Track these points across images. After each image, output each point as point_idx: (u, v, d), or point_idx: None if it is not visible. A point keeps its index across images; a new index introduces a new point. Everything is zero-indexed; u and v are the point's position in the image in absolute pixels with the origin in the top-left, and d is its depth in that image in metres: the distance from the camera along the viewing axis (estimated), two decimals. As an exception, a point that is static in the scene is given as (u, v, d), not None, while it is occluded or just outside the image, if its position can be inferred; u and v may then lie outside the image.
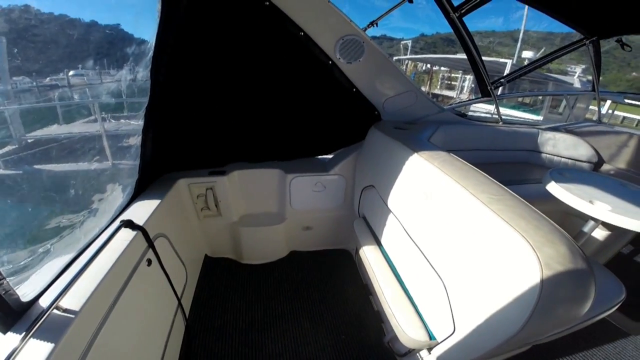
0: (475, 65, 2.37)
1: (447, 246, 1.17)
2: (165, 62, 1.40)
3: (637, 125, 16.33)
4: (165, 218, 1.56)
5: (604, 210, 1.41)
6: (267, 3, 1.49)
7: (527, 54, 13.70)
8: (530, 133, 2.71)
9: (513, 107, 9.43)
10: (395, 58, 12.61)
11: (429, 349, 1.20)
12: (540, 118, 8.33)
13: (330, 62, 1.79)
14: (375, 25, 2.00)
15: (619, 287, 1.32)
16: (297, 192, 2.07)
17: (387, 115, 2.14)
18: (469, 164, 1.33)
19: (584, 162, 2.64)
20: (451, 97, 16.47)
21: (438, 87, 18.14)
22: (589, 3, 2.05)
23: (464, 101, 2.65)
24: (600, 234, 1.70)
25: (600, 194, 1.63)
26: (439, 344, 1.16)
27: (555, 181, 1.71)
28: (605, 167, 2.64)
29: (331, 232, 2.35)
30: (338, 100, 1.99)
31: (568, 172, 1.91)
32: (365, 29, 1.90)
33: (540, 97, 9.96)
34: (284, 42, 1.67)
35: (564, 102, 8.72)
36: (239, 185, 2.01)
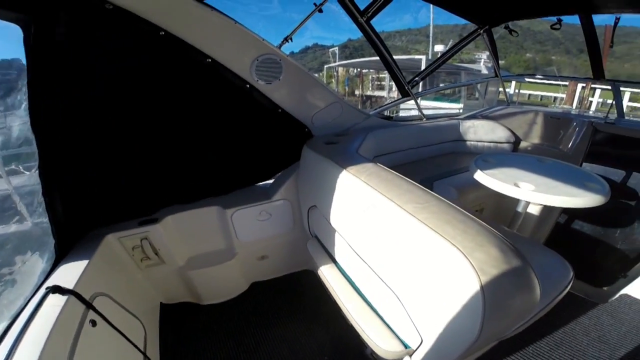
0: (389, 68, 2.40)
1: (390, 260, 1.16)
2: (48, 105, 1.22)
3: (541, 99, 18.91)
4: (99, 276, 1.44)
5: (528, 191, 1.48)
6: (163, 33, 1.35)
7: (439, 48, 15.07)
8: (452, 124, 2.84)
9: (436, 99, 10.20)
10: (326, 66, 12.99)
11: (410, 355, 1.14)
12: (461, 105, 9.17)
13: (247, 85, 1.68)
14: (289, 40, 1.91)
15: (565, 266, 1.34)
16: (242, 225, 1.96)
17: (318, 130, 2.09)
18: (394, 172, 1.32)
19: (504, 143, 2.83)
20: (382, 97, 17.54)
21: (370, 88, 19.12)
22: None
23: (386, 105, 2.68)
24: (534, 209, 1.80)
25: (523, 174, 1.72)
26: (414, 352, 1.12)
27: (481, 169, 1.76)
28: (523, 144, 2.85)
29: (289, 256, 2.25)
30: (264, 123, 1.90)
31: (491, 158, 1.98)
32: (280, 46, 1.82)
33: (463, 88, 11.05)
34: (190, 71, 1.53)
35: (483, 87, 9.72)
36: (177, 230, 1.85)
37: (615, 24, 2.34)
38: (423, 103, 9.48)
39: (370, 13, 2.02)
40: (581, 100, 11.57)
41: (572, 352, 1.61)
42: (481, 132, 2.85)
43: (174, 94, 1.58)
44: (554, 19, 2.47)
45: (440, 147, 2.81)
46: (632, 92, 11.07)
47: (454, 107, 9.06)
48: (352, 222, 1.41)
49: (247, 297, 2.11)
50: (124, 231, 1.70)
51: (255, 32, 1.53)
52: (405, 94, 2.59)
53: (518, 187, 1.56)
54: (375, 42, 2.19)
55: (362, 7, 2.04)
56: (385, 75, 16.78)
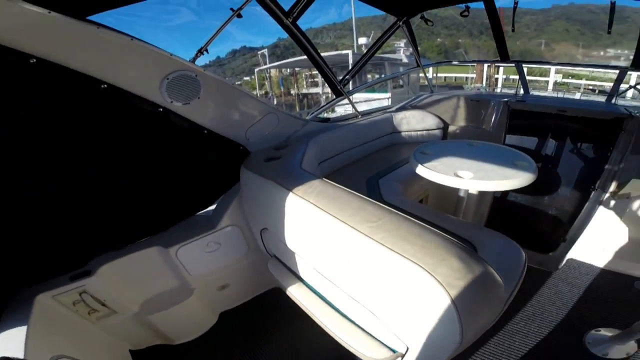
0: (320, 68, 2.35)
1: (357, 280, 1.14)
2: None
3: (455, 80, 20.98)
4: (48, 338, 1.30)
5: (470, 180, 1.56)
6: (34, 60, 1.09)
7: (362, 40, 15.67)
8: (386, 118, 2.91)
9: (366, 91, 10.59)
10: (256, 69, 12.58)
11: (402, 358, 1.12)
12: (389, 95, 9.70)
13: (160, 109, 1.47)
14: (204, 52, 1.69)
15: (517, 250, 1.39)
16: (191, 260, 1.78)
17: (255, 145, 1.95)
18: (341, 188, 1.29)
19: (435, 129, 2.99)
20: (317, 93, 17.72)
21: (305, 86, 19.17)
22: None
23: (321, 107, 2.64)
24: (474, 191, 1.90)
25: (459, 162, 1.80)
26: (404, 355, 1.10)
27: (421, 163, 1.80)
28: (451, 128, 3.04)
29: (251, 279, 2.12)
30: (190, 149, 1.71)
31: (427, 149, 2.04)
32: (195, 59, 1.61)
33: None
34: (84, 101, 1.29)
35: (405, 75, 10.37)
36: (118, 277, 1.64)
37: (515, 7, 2.57)
38: (354, 96, 9.79)
39: (295, 13, 1.93)
40: (489, 78, 13.11)
41: (546, 323, 1.73)
42: (413, 122, 2.97)
43: (75, 129, 1.34)
44: (462, 6, 2.64)
45: (378, 142, 2.87)
46: (527, 67, 12.85)
47: (383, 97, 9.55)
48: (309, 245, 1.36)
49: (220, 328, 1.99)
50: (55, 289, 1.48)
51: (161, 48, 1.33)
52: (338, 93, 2.56)
53: (459, 176, 1.62)
54: (303, 44, 2.11)
55: (286, 8, 1.94)
56: (316, 72, 16.95)
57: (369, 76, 11.71)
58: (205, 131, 1.66)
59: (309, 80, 19.26)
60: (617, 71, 2.69)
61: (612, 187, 2.02)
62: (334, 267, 1.27)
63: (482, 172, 1.62)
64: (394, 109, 3.14)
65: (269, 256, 1.86)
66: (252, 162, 1.77)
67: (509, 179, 1.53)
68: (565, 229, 2.30)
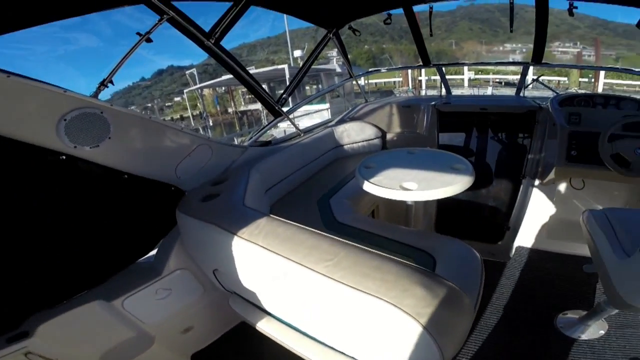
0: (253, 90, 2.25)
1: (325, 321, 1.13)
2: None
3: (385, 85, 22.47)
4: None
5: (415, 192, 1.60)
6: None
7: (298, 53, 15.86)
8: (328, 133, 2.93)
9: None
10: (185, 90, 11.90)
11: None
12: (327, 105, 9.95)
13: (63, 157, 1.24)
14: (108, 84, 1.47)
15: (472, 253, 1.39)
16: (142, 310, 1.60)
17: (188, 183, 1.78)
18: (291, 224, 1.23)
19: (374, 139, 3.09)
20: (257, 109, 17.43)
21: (243, 103, 18.66)
22: (315, 3, 2.29)
23: (261, 130, 2.54)
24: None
25: (402, 173, 1.84)
26: None
27: (366, 178, 1.81)
28: (389, 135, 3.17)
29: (217, 317, 1.95)
30: (111, 196, 1.50)
31: (370, 161, 2.07)
32: (96, 93, 1.40)
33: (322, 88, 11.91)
34: None
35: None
36: (63, 335, 1.44)
37: (430, 12, 2.77)
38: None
39: (217, 34, 1.80)
40: (414, 80, 14.33)
41: (516, 313, 1.82)
42: (353, 134, 3.03)
43: None
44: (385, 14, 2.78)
45: (324, 159, 2.86)
46: (446, 68, 14.34)
47: (323, 108, 9.73)
48: (267, 288, 1.29)
49: None
50: None
51: (54, 84, 1.13)
52: (276, 113, 2.49)
53: (405, 188, 1.65)
54: (230, 65, 1.99)
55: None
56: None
57: (307, 88, 11.90)
58: (126, 175, 1.47)
59: (247, 96, 18.84)
60: (521, 66, 3.06)
61: (538, 174, 2.27)
62: (298, 309, 1.22)
63: (425, 182, 1.67)
64: (334, 122, 3.17)
65: (229, 293, 1.73)
66: (188, 203, 1.61)
67: (451, 185, 1.60)
68: (506, 218, 2.51)
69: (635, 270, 1.10)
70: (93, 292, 1.54)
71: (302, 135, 2.80)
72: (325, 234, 1.15)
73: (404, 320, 0.83)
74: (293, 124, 2.77)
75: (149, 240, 1.78)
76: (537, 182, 2.27)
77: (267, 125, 2.57)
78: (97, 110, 1.24)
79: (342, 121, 3.18)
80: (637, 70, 2.84)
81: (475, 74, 17.73)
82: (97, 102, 1.25)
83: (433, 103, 2.87)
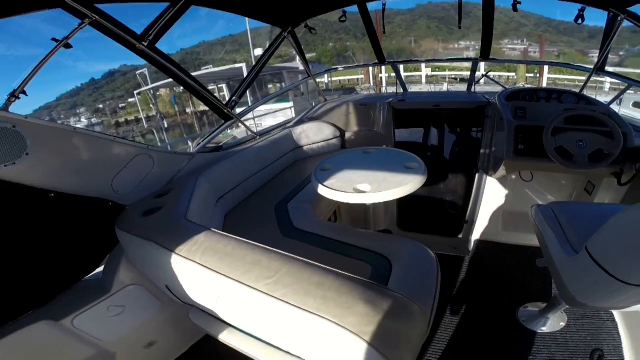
0: (197, 94, 2.10)
1: (276, 336, 1.11)
2: None
3: (349, 82, 22.72)
4: None
5: (368, 195, 1.56)
6: None
7: (259, 52, 15.43)
8: (286, 135, 2.84)
9: (265, 103, 10.49)
10: (136, 91, 11.09)
11: None
12: (291, 104, 9.79)
13: None
14: (19, 95, 1.28)
15: (427, 252, 1.38)
16: (95, 327, 1.51)
17: (129, 197, 1.65)
18: (232, 238, 1.17)
19: (333, 139, 3.05)
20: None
21: (202, 105, 17.86)
22: (267, 2, 2.20)
23: (209, 135, 2.38)
24: None
25: (357, 175, 1.81)
26: None
27: (321, 182, 1.76)
28: (348, 134, 3.15)
29: (181, 330, 1.85)
30: (38, 216, 1.37)
31: (327, 163, 2.02)
32: (6, 106, 1.22)
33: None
34: None
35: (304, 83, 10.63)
36: (13, 357, 1.36)
37: (383, 9, 2.76)
38: (259, 109, 9.60)
39: (152, 36, 1.65)
40: (375, 78, 14.61)
41: (478, 308, 1.84)
42: (312, 135, 2.97)
43: None
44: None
45: (282, 162, 2.77)
46: (405, 65, 14.82)
47: (286, 107, 9.53)
48: (219, 304, 1.23)
49: None
50: None
51: None
52: (226, 117, 2.35)
53: (360, 190, 1.62)
54: (169, 70, 1.84)
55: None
56: (213, 87, 16.14)
57: (270, 86, 11.62)
58: (52, 194, 1.34)
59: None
60: (471, 63, 3.18)
61: (490, 168, 2.35)
62: (254, 323, 1.18)
63: (378, 183, 1.65)
64: (292, 123, 3.09)
65: (188, 306, 1.64)
66: (127, 219, 1.50)
67: (403, 186, 1.59)
68: (464, 211, 2.58)
69: (583, 268, 1.11)
70: (38, 313, 1.44)
71: (257, 138, 2.69)
72: (268, 248, 1.09)
73: (349, 339, 0.79)
74: (246, 127, 2.64)
75: (94, 257, 1.66)
76: (489, 176, 2.36)
77: (216, 130, 2.41)
78: (8, 125, 1.09)
79: (300, 122, 3.10)
80: (575, 65, 3.07)
81: (432, 71, 18.51)
82: (8, 115, 1.10)
83: (388, 101, 2.88)
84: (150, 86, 10.29)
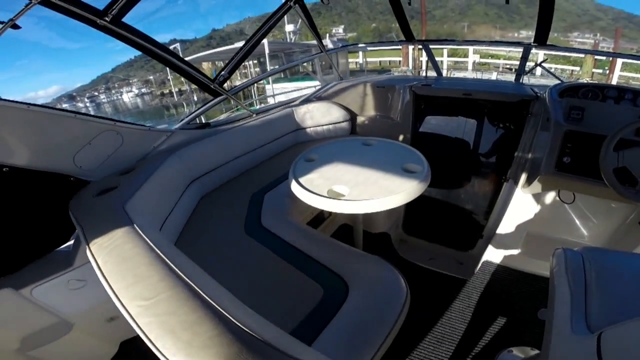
0: (180, 70, 1.88)
1: None
2: None
3: (390, 64, 21.37)
4: None
5: (336, 202, 1.24)
6: None
7: (290, 28, 14.86)
8: (285, 115, 2.52)
9: (291, 80, 9.86)
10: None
11: None
12: (316, 83, 9.18)
13: None
14: None
15: (397, 282, 1.16)
16: (53, 299, 1.55)
17: (94, 173, 1.58)
18: (146, 241, 1.00)
19: (342, 122, 2.68)
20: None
21: (239, 77, 17.98)
22: None
23: (194, 112, 2.12)
24: None
25: (343, 171, 1.49)
26: None
27: (295, 175, 1.47)
28: (359, 119, 2.75)
29: None
30: None
31: (315, 153, 1.69)
32: None
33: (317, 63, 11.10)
34: None
35: (334, 60, 9.96)
36: None
37: None
38: (280, 85, 9.21)
39: (115, 10, 1.47)
40: (415, 60, 13.48)
41: (458, 343, 1.52)
42: (318, 116, 2.62)
43: None
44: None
45: (279, 143, 2.47)
46: (450, 48, 13.52)
47: (310, 85, 8.81)
48: None
49: (121, 357, 1.82)
50: None
51: None
52: (215, 93, 2.08)
53: (333, 192, 1.30)
54: (141, 45, 1.64)
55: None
56: (248, 62, 16.01)
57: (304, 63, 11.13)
58: (5, 168, 1.34)
59: (242, 71, 18.08)
60: (522, 49, 2.59)
61: (522, 179, 1.86)
62: None
63: (361, 186, 1.30)
64: (297, 102, 2.75)
65: None
66: (81, 198, 1.43)
67: (391, 195, 1.23)
68: (481, 224, 2.14)
69: (583, 354, 0.74)
70: (4, 281, 1.50)
71: (253, 116, 2.40)
72: (169, 263, 0.88)
73: None
74: (239, 103, 2.38)
75: (62, 230, 1.63)
76: (520, 188, 1.87)
77: (202, 107, 2.15)
78: None
79: (307, 101, 2.75)
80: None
81: (481, 58, 16.68)
82: None
83: (410, 84, 2.42)
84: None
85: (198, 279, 0.85)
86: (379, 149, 1.70)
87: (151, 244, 0.98)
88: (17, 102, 1.23)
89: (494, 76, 10.51)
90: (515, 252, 1.92)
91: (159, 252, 0.93)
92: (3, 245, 1.51)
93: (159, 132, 1.82)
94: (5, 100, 1.19)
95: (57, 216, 1.58)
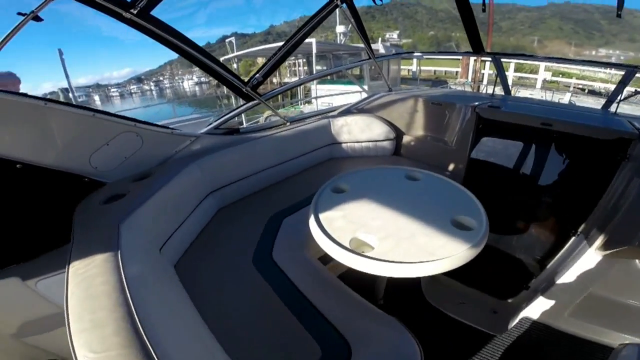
0: (210, 70, 1.73)
1: None
2: None
3: (445, 74, 20.15)
4: None
5: (361, 260, 0.97)
6: None
7: (340, 29, 14.50)
8: (322, 125, 2.29)
9: (336, 82, 9.43)
10: (222, 58, 11.60)
11: None
12: (365, 87, 8.74)
13: None
14: None
15: (410, 344, 0.98)
16: (55, 293, 1.48)
17: (108, 175, 1.50)
18: (118, 275, 0.88)
19: (384, 141, 2.38)
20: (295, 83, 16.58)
21: (287, 75, 18.21)
22: None
23: (224, 115, 1.97)
24: None
25: (375, 211, 1.21)
26: None
27: (316, 212, 1.22)
28: (406, 138, 2.44)
29: None
30: (6, 186, 1.36)
31: (345, 182, 1.43)
32: None
33: (365, 68, 10.57)
34: None
35: (384, 66, 9.53)
36: None
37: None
38: (325, 87, 8.94)
39: (142, 3, 1.36)
40: (475, 72, 12.44)
41: None
42: (356, 131, 2.35)
43: None
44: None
45: (311, 157, 2.26)
46: (516, 63, 12.31)
47: (351, 90, 8.04)
48: None
49: None
50: None
51: None
52: (247, 97, 1.92)
53: (360, 243, 1.03)
54: (169, 41, 1.52)
55: None
56: (294, 60, 16.07)
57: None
58: (19, 165, 1.31)
59: (292, 69, 18.24)
60: (622, 70, 2.08)
61: (600, 240, 1.43)
62: None
63: (394, 240, 1.02)
64: (336, 112, 2.50)
65: None
66: (87, 203, 1.36)
67: (430, 261, 0.93)
68: (529, 275, 1.74)
69: None
70: (11, 270, 1.49)
71: (287, 124, 2.20)
72: (133, 310, 0.75)
73: None
74: (273, 110, 2.21)
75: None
76: (593, 249, 1.44)
77: (233, 110, 1.99)
78: None
79: (347, 112, 2.50)
80: None
81: (553, 75, 14.91)
82: None
83: (474, 104, 2.05)
84: (234, 54, 10.58)
85: (161, 333, 0.74)
86: (426, 187, 1.38)
87: (124, 281, 0.84)
88: (35, 97, 1.19)
89: (566, 98, 9.28)
90: (565, 310, 1.51)
91: (128, 294, 0.80)
92: (16, 236, 1.51)
93: (182, 137, 1.71)
94: (23, 95, 1.16)
95: (69, 214, 1.55)
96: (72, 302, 0.82)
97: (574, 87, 13.55)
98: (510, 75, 12.21)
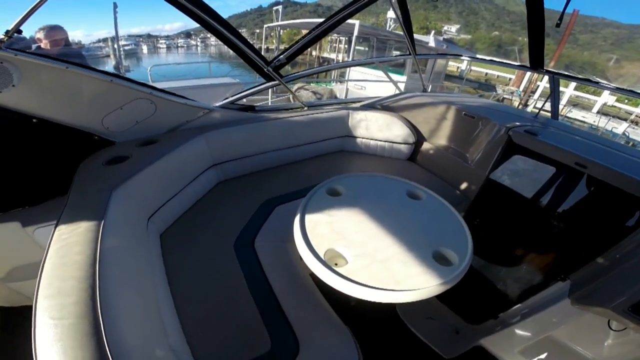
0: (232, 45, 1.66)
1: None
2: None
3: (497, 77, 18.77)
4: None
5: (329, 275, 0.95)
6: None
7: (391, 14, 13.68)
8: (339, 116, 2.21)
9: (375, 67, 8.99)
10: (265, 26, 11.38)
11: None
12: (404, 78, 8.29)
13: None
14: (12, 34, 1.15)
15: (350, 348, 1.01)
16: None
17: (118, 136, 1.56)
18: (94, 244, 0.91)
19: (401, 143, 2.27)
20: (333, 59, 16.25)
21: (327, 50, 17.84)
22: None
23: (242, 92, 1.93)
24: None
25: (361, 225, 1.17)
26: None
27: (302, 212, 1.17)
28: (425, 145, 2.31)
29: None
30: (21, 137, 1.43)
31: (343, 185, 1.38)
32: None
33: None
34: None
35: (430, 61, 8.98)
36: None
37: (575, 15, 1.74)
38: (361, 69, 8.61)
39: None
40: (530, 83, 11.45)
41: None
42: (374, 128, 2.25)
43: None
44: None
45: (321, 146, 2.21)
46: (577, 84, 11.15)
47: (399, 79, 7.85)
48: None
49: None
50: None
51: None
52: (267, 77, 1.87)
53: (334, 254, 0.99)
54: (196, 14, 1.47)
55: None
56: (337, 37, 15.57)
57: (396, 52, 10.16)
58: (35, 120, 1.39)
59: (333, 45, 17.79)
60: None
61: (582, 291, 1.32)
62: None
63: (364, 260, 0.98)
64: (358, 105, 2.40)
65: None
66: (91, 162, 1.40)
67: (387, 288, 0.89)
68: (504, 306, 1.65)
69: None
70: (14, 215, 1.56)
71: (305, 109, 2.14)
72: (96, 283, 0.78)
73: None
74: (292, 93, 2.15)
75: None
76: (573, 297, 1.31)
77: (250, 89, 1.94)
78: None
79: (369, 107, 2.39)
80: None
81: (617, 101, 13.40)
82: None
83: (509, 126, 1.88)
84: (277, 23, 10.35)
85: (117, 308, 0.77)
86: (423, 209, 1.30)
87: (98, 252, 0.87)
88: (57, 60, 1.23)
89: (621, 128, 8.34)
90: (518, 347, 1.44)
91: (97, 267, 0.82)
92: (24, 182, 1.59)
93: (196, 108, 1.71)
94: (46, 57, 1.20)
95: (76, 166, 1.59)
96: (47, 267, 0.85)
97: (636, 117, 12.12)
98: (569, 92, 11.17)
